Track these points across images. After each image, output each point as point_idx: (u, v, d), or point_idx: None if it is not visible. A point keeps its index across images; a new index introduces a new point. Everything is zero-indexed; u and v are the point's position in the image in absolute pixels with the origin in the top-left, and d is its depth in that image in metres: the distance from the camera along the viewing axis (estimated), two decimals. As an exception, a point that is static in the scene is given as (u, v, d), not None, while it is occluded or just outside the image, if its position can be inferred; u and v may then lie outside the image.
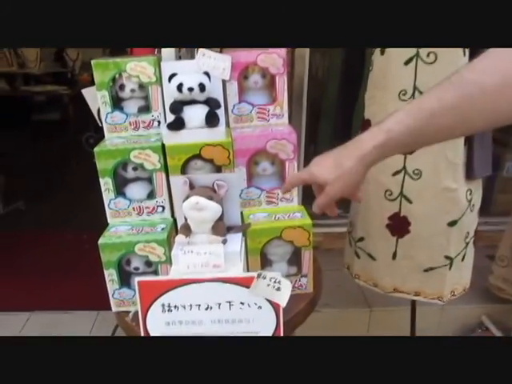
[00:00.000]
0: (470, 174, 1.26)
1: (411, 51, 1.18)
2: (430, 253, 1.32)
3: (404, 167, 1.27)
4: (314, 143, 2.59)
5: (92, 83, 1.21)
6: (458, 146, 1.22)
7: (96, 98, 1.19)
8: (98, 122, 1.33)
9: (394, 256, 1.36)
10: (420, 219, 1.29)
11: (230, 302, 0.86)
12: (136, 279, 0.86)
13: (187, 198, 0.94)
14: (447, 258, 1.33)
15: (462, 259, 1.36)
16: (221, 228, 0.97)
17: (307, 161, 2.48)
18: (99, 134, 1.24)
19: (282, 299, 0.86)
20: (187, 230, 0.96)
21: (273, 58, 1.15)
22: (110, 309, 1.14)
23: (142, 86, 1.17)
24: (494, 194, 2.56)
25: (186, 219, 0.98)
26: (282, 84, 1.18)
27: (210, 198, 0.93)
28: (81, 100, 1.36)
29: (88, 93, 1.35)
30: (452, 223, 1.29)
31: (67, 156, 4.14)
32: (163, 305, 0.86)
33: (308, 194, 2.38)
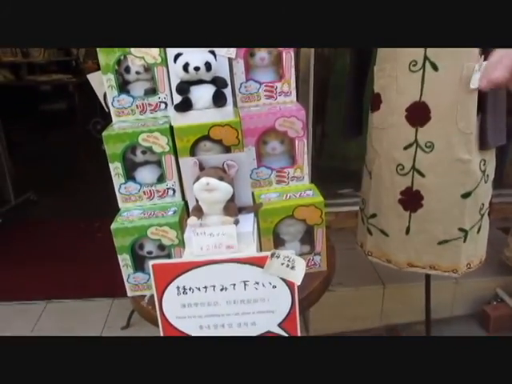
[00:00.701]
0: (483, 144, 1.23)
1: (421, 21, 1.15)
2: (444, 226, 1.30)
3: (416, 140, 1.24)
4: (322, 122, 2.57)
5: (97, 70, 1.20)
6: (471, 115, 1.19)
7: (102, 83, 1.19)
8: (105, 107, 1.33)
9: (408, 231, 1.34)
10: (433, 192, 1.27)
11: (244, 282, 0.86)
12: (150, 263, 0.86)
13: (197, 179, 0.93)
14: (462, 230, 1.31)
15: (478, 231, 1.35)
16: (232, 208, 0.96)
17: (315, 141, 2.45)
18: (106, 120, 1.24)
19: (297, 277, 0.86)
20: (199, 211, 0.96)
21: (278, 34, 1.13)
22: (124, 296, 1.15)
23: (147, 68, 1.15)
24: (507, 165, 2.52)
25: (197, 201, 0.97)
26: (289, 60, 1.16)
27: (221, 179, 0.92)
28: (87, 88, 1.36)
29: (93, 78, 1.34)
30: (466, 195, 1.27)
31: (75, 145, 4.15)
32: (178, 287, 0.87)
33: (317, 176, 2.38)
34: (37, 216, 3.23)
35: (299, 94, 2.08)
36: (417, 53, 1.18)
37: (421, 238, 1.33)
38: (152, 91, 1.17)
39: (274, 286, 0.86)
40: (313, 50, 2.08)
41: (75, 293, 2.34)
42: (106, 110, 1.29)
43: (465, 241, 1.32)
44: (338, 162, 2.64)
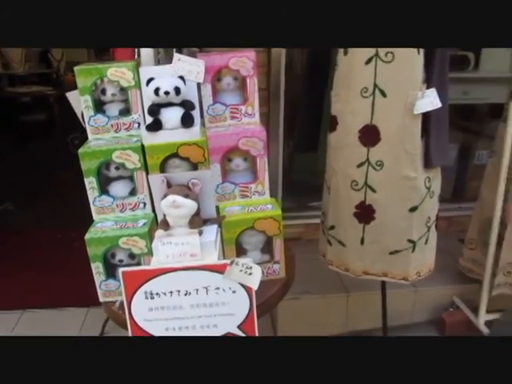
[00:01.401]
0: (427, 164, 1.36)
1: (371, 51, 1.28)
2: (394, 237, 1.43)
3: (367, 159, 1.37)
4: (293, 137, 2.67)
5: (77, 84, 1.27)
6: (416, 138, 1.32)
7: (79, 101, 1.26)
8: (83, 123, 1.40)
9: (362, 241, 1.46)
10: (383, 207, 1.40)
11: (206, 288, 0.95)
12: (120, 270, 0.94)
13: (165, 196, 1.02)
14: (410, 241, 1.43)
15: (426, 242, 1.47)
16: (197, 222, 1.05)
17: (287, 156, 2.52)
18: (84, 135, 1.31)
19: (254, 283, 0.95)
20: (166, 225, 1.05)
21: (243, 62, 1.24)
22: (98, 305, 1.22)
23: (122, 90, 1.24)
24: (467, 181, 2.67)
25: (164, 215, 1.06)
26: (252, 85, 1.26)
27: (186, 196, 1.01)
28: (67, 100, 1.42)
29: (72, 96, 1.41)
30: (413, 209, 1.39)
31: (54, 156, 4.16)
32: (146, 292, 0.95)
33: (289, 188, 2.47)
34: (14, 226, 3.23)
35: (270, 110, 2.19)
36: (368, 80, 1.30)
37: (374, 248, 1.45)
38: (126, 111, 1.26)
39: (234, 291, 0.95)
40: (283, 66, 2.17)
41: (50, 302, 2.37)
42: (84, 125, 1.37)
43: (413, 251, 1.44)
44: (309, 175, 2.73)
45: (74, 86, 1.33)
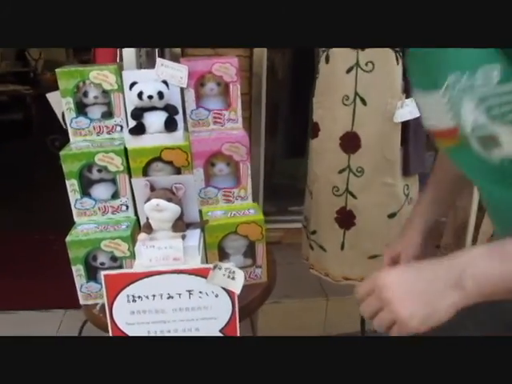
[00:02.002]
0: (406, 171, 1.40)
1: (352, 60, 1.31)
2: (373, 242, 1.46)
3: (348, 165, 1.40)
4: (274, 142, 2.70)
5: (55, 83, 1.26)
6: (395, 145, 1.36)
7: (60, 102, 1.26)
8: (63, 124, 1.39)
9: (342, 247, 1.49)
10: (363, 212, 1.43)
11: (189, 292, 0.96)
12: (102, 273, 0.94)
13: (148, 199, 1.02)
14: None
15: (404, 248, 1.50)
16: (180, 226, 1.06)
17: (267, 161, 2.55)
18: (64, 136, 1.30)
19: (237, 287, 0.96)
20: (149, 228, 1.05)
21: (226, 68, 1.25)
22: (76, 307, 1.20)
23: (104, 93, 1.24)
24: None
25: (147, 219, 1.06)
26: (235, 91, 1.28)
27: (170, 200, 1.02)
28: (44, 100, 1.41)
29: (52, 97, 1.40)
30: (391, 215, 1.43)
31: (31, 156, 4.10)
32: (128, 296, 0.95)
33: (269, 193, 2.48)
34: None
35: (252, 116, 2.21)
36: (349, 88, 1.33)
37: (353, 253, 1.48)
38: (108, 114, 1.25)
39: (217, 295, 0.96)
40: (265, 71, 2.20)
41: (27, 304, 2.33)
42: (64, 127, 1.36)
43: (392, 256, 1.47)
44: (289, 180, 2.77)
45: (51, 86, 1.32)
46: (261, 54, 2.12)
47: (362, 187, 1.40)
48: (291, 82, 2.37)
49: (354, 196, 1.42)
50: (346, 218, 1.45)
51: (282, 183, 2.76)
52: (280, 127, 2.65)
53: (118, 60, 1.52)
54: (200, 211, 1.22)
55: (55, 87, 1.26)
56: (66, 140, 1.27)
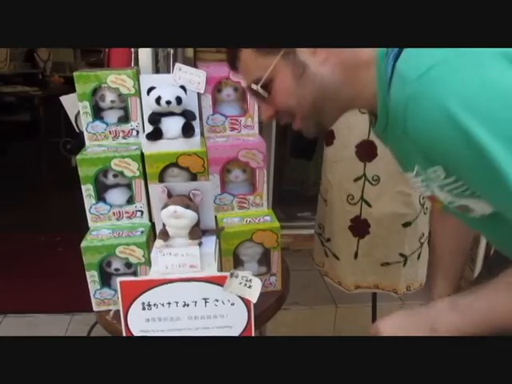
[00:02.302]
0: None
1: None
2: (386, 250, 1.45)
3: (364, 174, 1.38)
4: (284, 148, 2.70)
5: (63, 85, 1.26)
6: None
7: (74, 105, 1.26)
8: (76, 128, 1.39)
9: (356, 255, 1.47)
10: (378, 221, 1.41)
11: (205, 300, 0.94)
12: (118, 279, 0.93)
13: (165, 206, 1.01)
14: (402, 255, 1.46)
15: (418, 257, 1.49)
16: (197, 233, 1.05)
17: (277, 167, 2.54)
18: (76, 140, 1.30)
19: (253, 296, 0.95)
20: (165, 235, 1.04)
21: (244, 73, 1.24)
22: (84, 311, 1.19)
23: (121, 97, 1.24)
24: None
25: (163, 225, 1.05)
26: (252, 97, 1.27)
27: (187, 207, 1.01)
28: (52, 102, 1.41)
29: (66, 100, 1.40)
30: (406, 224, 1.41)
31: (38, 157, 4.11)
32: (143, 303, 0.94)
33: (278, 199, 2.48)
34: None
35: (263, 123, 2.21)
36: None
37: (366, 261, 1.47)
38: (125, 119, 1.25)
39: (233, 304, 0.94)
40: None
41: (34, 307, 2.32)
42: (77, 130, 1.35)
43: (404, 265, 1.46)
44: (298, 186, 2.77)
45: (59, 87, 1.32)
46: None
47: (377, 196, 1.39)
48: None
49: (369, 204, 1.41)
50: (360, 227, 1.44)
51: (291, 189, 2.76)
52: (290, 133, 2.65)
53: (132, 64, 1.52)
54: (215, 217, 1.21)
55: (63, 89, 1.26)
56: (78, 143, 1.27)
